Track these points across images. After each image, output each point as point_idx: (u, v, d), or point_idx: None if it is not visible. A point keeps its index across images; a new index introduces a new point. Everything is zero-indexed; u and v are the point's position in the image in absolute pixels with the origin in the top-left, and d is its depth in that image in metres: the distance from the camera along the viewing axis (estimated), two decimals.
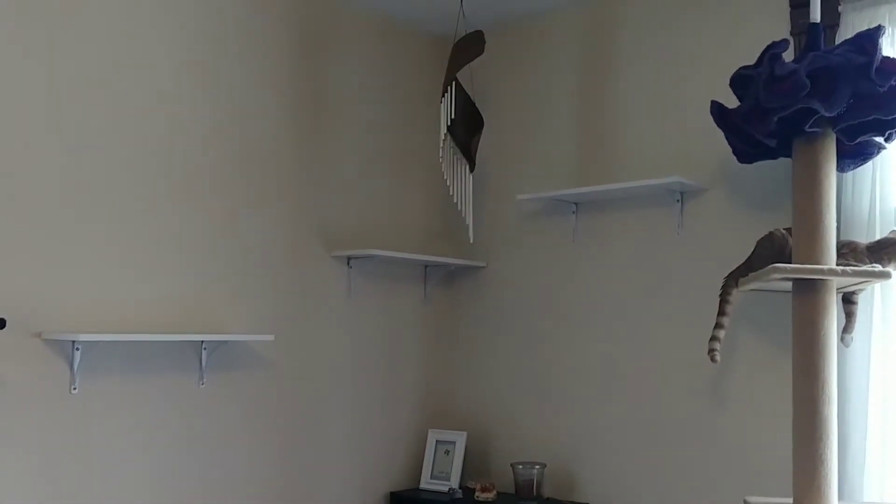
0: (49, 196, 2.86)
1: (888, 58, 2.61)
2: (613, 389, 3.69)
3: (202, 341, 3.23)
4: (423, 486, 3.98)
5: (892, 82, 2.58)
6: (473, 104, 3.81)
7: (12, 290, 2.76)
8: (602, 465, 3.70)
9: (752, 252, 3.05)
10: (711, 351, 3.09)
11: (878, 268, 2.66)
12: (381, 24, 4.04)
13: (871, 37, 2.59)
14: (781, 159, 3.02)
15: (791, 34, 3.19)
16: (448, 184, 3.75)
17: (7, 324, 2.73)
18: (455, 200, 3.78)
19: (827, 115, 2.60)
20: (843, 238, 2.94)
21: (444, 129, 3.62)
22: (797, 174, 2.75)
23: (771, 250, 2.93)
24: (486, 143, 4.16)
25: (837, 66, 2.60)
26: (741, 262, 3.10)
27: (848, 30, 3.01)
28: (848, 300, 2.96)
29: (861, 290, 2.94)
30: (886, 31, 2.84)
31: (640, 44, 3.73)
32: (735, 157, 3.09)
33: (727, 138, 3.04)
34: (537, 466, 3.69)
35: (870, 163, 2.96)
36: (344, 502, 3.74)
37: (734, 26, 3.42)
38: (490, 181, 4.18)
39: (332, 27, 3.82)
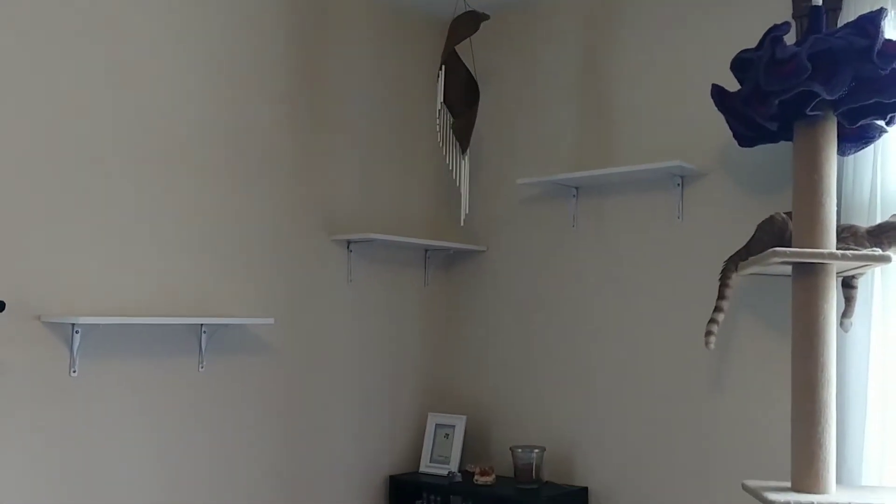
0: (49, 180, 2.86)
1: (890, 41, 2.59)
2: (613, 374, 3.70)
3: (202, 325, 3.24)
4: (422, 469, 4.00)
5: (894, 65, 2.57)
6: (472, 76, 3.80)
7: (12, 273, 2.77)
8: (601, 449, 3.71)
9: (753, 236, 3.04)
10: (708, 335, 3.09)
11: (878, 252, 2.65)
12: (381, 6, 4.03)
13: (873, 20, 2.57)
14: (782, 143, 3.02)
15: (793, 17, 3.17)
16: (447, 160, 3.77)
17: (7, 307, 2.73)
18: (454, 176, 3.78)
19: (828, 98, 2.59)
20: (843, 222, 2.94)
21: (440, 102, 3.65)
22: (798, 158, 2.74)
23: (771, 234, 2.92)
24: (486, 127, 4.15)
25: (839, 49, 2.59)
26: (741, 246, 3.10)
27: (850, 12, 2.99)
28: (848, 285, 2.95)
29: (861, 274, 2.93)
30: (889, 14, 2.83)
31: (642, 27, 3.71)
32: (736, 141, 3.07)
33: (728, 122, 3.03)
34: (536, 450, 3.70)
35: (871, 147, 2.94)
36: (343, 485, 3.75)
37: (736, 9, 3.41)
38: (490, 165, 4.18)
39: (331, 9, 3.80)
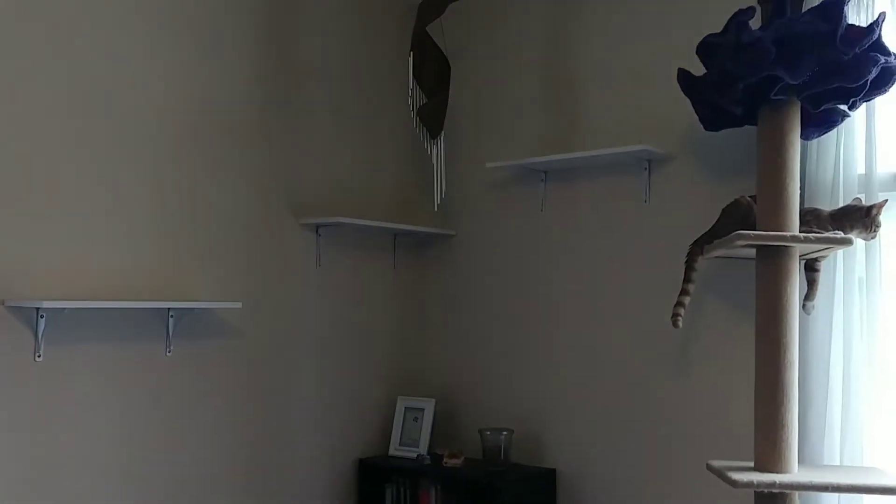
0: (13, 162, 2.82)
1: (853, 26, 2.62)
2: (580, 356, 3.72)
3: (169, 309, 3.22)
4: (391, 452, 4.01)
5: (857, 50, 2.59)
6: (444, 56, 3.77)
7: None
8: (569, 431, 3.74)
9: (718, 219, 3.07)
10: (675, 316, 3.12)
11: (840, 235, 2.68)
12: None
13: (837, 5, 2.59)
14: (747, 127, 3.04)
15: (758, 2, 3.18)
16: (424, 143, 3.75)
17: None
18: (430, 154, 3.78)
19: (792, 82, 2.61)
20: (806, 205, 2.97)
21: (411, 83, 3.64)
22: (762, 142, 2.77)
23: (736, 217, 2.95)
24: (456, 111, 4.15)
25: (803, 34, 2.61)
26: (707, 229, 3.12)
27: None
28: (810, 268, 2.99)
29: (824, 257, 2.97)
30: (852, 0, 2.86)
31: (608, 11, 3.72)
32: (702, 125, 3.10)
33: (694, 106, 3.05)
34: (505, 433, 3.72)
35: (834, 131, 2.98)
36: (313, 469, 3.75)
37: None
38: (459, 149, 4.18)
39: None
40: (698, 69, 3.00)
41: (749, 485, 2.57)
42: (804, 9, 2.95)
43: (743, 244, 2.65)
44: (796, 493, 2.65)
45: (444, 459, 3.79)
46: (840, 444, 2.95)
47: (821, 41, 2.60)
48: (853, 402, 2.93)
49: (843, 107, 2.82)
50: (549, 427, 3.80)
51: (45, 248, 2.90)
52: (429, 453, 3.94)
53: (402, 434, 4.02)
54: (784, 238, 2.61)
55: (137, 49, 3.17)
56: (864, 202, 2.85)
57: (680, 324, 3.12)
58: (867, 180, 2.97)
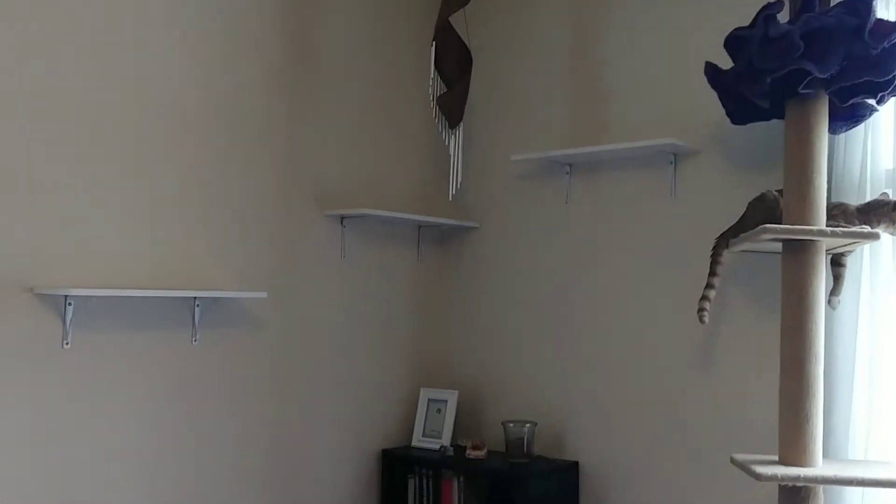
0: (42, 151, 2.86)
1: (881, 20, 2.60)
2: (604, 349, 3.73)
3: (195, 298, 3.25)
4: (414, 443, 4.03)
5: (885, 44, 2.58)
6: (465, 46, 3.78)
7: (4, 244, 2.77)
8: (592, 424, 3.74)
9: (744, 213, 3.06)
10: (700, 311, 3.11)
11: (867, 229, 2.67)
12: None
13: None
14: (774, 121, 3.03)
15: None
16: (441, 134, 3.77)
17: None
18: (447, 145, 3.79)
19: (820, 76, 2.60)
20: (833, 200, 2.96)
21: (432, 74, 3.65)
22: (789, 135, 2.76)
23: (762, 211, 2.94)
24: (480, 103, 4.16)
25: (831, 28, 2.60)
26: (733, 222, 3.12)
27: None
28: (836, 262, 2.98)
29: (850, 252, 2.96)
30: None
31: (636, 4, 3.71)
32: (728, 119, 3.09)
33: (721, 99, 3.04)
34: (528, 425, 3.73)
35: (861, 125, 2.96)
36: (336, 460, 3.78)
37: None
38: (484, 141, 4.18)
39: None
40: (725, 62, 3.00)
41: (773, 478, 2.56)
42: (833, 3, 2.94)
43: (769, 238, 2.64)
44: (820, 486, 2.65)
45: (467, 451, 3.81)
46: (865, 438, 2.94)
47: (849, 35, 2.59)
48: (878, 397, 2.92)
49: (872, 101, 2.80)
50: (572, 420, 3.81)
51: (74, 237, 2.94)
52: (452, 445, 3.95)
53: (425, 425, 4.04)
54: (811, 232, 2.60)
55: (166, 42, 3.20)
56: (891, 197, 2.84)
57: (706, 319, 3.11)
58: (895, 175, 2.96)
